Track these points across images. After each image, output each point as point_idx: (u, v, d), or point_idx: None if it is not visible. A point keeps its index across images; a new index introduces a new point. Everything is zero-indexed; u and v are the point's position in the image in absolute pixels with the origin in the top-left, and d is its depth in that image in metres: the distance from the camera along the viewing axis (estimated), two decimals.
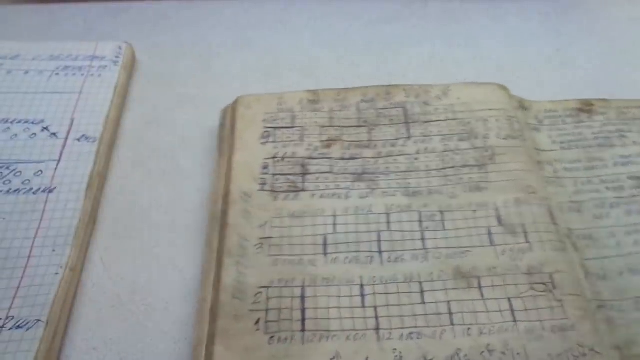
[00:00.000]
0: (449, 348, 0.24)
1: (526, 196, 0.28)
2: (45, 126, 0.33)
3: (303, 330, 0.24)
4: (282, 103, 0.33)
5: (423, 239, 0.27)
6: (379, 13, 0.43)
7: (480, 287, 0.25)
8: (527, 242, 0.27)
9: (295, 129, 0.32)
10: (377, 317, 0.24)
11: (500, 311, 0.25)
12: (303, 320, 0.24)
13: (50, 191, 0.29)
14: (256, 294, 0.25)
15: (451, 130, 0.31)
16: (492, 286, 0.25)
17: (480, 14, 0.43)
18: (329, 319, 0.24)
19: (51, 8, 0.42)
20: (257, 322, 0.24)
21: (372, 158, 0.30)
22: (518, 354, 0.23)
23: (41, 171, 0.30)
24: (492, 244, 0.27)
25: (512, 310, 0.25)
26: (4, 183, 0.30)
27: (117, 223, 0.30)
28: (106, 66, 0.36)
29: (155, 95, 0.37)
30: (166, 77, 0.38)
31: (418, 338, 0.24)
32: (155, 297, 0.27)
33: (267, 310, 0.25)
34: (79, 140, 0.32)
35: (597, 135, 0.32)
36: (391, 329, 0.24)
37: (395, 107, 0.33)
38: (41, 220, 0.28)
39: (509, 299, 0.25)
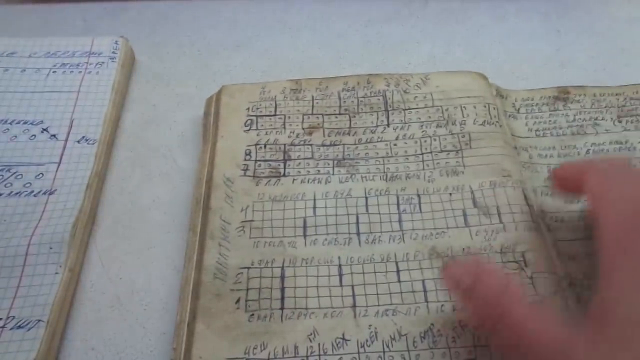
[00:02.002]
0: (423, 323, 0.25)
1: (501, 179, 0.29)
2: (44, 127, 0.33)
3: (282, 308, 0.25)
4: (265, 92, 0.34)
5: (400, 221, 0.28)
6: (378, 13, 0.43)
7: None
8: (501, 222, 0.28)
9: (277, 117, 0.33)
10: (354, 296, 0.26)
11: None
12: (282, 298, 0.25)
13: (51, 193, 0.30)
14: (237, 274, 0.26)
15: (429, 117, 0.32)
16: None
17: (480, 14, 0.43)
18: (307, 297, 0.25)
19: (50, 8, 0.42)
20: (238, 300, 0.25)
21: (352, 144, 0.31)
22: None
23: (42, 174, 0.31)
24: (466, 224, 0.28)
25: None
26: (5, 186, 0.30)
27: (116, 223, 0.30)
28: (103, 62, 0.36)
29: (155, 95, 0.37)
30: (165, 77, 0.38)
31: (393, 314, 0.25)
32: (153, 297, 0.27)
33: (247, 290, 0.26)
34: (78, 142, 0.32)
35: (572, 123, 0.33)
36: (367, 306, 0.25)
37: (376, 95, 0.33)
38: (40, 220, 0.28)
39: None
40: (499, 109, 0.33)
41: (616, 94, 0.35)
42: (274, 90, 0.34)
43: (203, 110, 0.34)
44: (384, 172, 0.30)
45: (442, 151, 0.31)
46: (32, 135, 0.32)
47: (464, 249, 0.27)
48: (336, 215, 0.28)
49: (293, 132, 0.32)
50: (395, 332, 0.24)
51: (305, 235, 0.28)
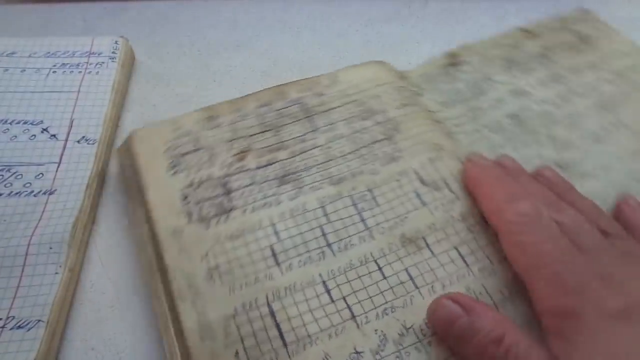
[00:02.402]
0: (422, 310, 0.25)
1: (437, 154, 0.30)
2: (44, 127, 0.33)
3: (285, 345, 0.24)
4: (178, 128, 0.32)
5: (363, 220, 0.28)
6: (378, 12, 0.43)
7: (428, 246, 0.27)
8: (452, 192, 0.29)
9: (201, 151, 0.30)
10: (349, 307, 0.25)
11: (452, 261, 0.26)
12: (281, 335, 0.24)
13: (51, 193, 0.30)
14: (225, 327, 0.24)
15: (351, 113, 0.32)
16: (438, 241, 0.27)
17: (480, 14, 0.43)
18: (305, 325, 0.24)
19: (50, 7, 0.42)
20: (237, 354, 0.23)
21: (289, 158, 0.30)
22: (480, 293, 0.25)
23: (42, 174, 0.31)
24: (423, 204, 0.28)
25: (462, 257, 0.26)
26: (5, 186, 0.30)
27: (116, 223, 0.30)
28: (103, 62, 0.36)
29: (155, 95, 0.37)
30: (165, 77, 0.38)
31: (392, 311, 0.25)
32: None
33: (242, 339, 0.24)
34: (78, 142, 0.32)
35: (469, 85, 0.35)
36: (365, 312, 0.25)
37: (293, 105, 0.33)
38: (40, 220, 0.28)
39: (455, 247, 0.27)
40: (408, 89, 0.34)
41: (499, 45, 0.37)
42: (187, 124, 0.32)
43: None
44: (329, 177, 0.29)
45: (375, 142, 0.31)
46: (32, 135, 0.32)
47: (429, 226, 0.27)
48: (300, 233, 0.27)
49: (224, 163, 0.30)
50: (400, 327, 0.24)
51: (278, 264, 0.26)
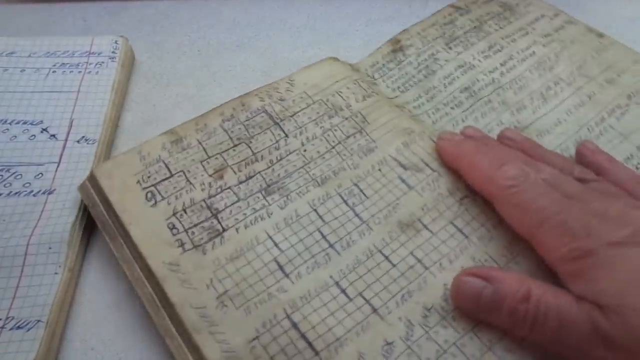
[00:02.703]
0: (438, 288, 0.25)
1: (409, 137, 0.31)
2: (44, 127, 0.33)
3: (317, 353, 0.23)
4: (145, 157, 0.29)
5: (357, 215, 0.28)
6: (378, 12, 0.43)
7: (425, 227, 0.28)
8: (434, 171, 0.30)
9: (176, 176, 0.29)
10: (368, 301, 0.25)
11: (452, 235, 0.27)
12: (310, 344, 0.24)
13: (50, 193, 0.30)
14: (251, 350, 0.23)
15: (317, 113, 0.32)
16: (433, 220, 0.28)
17: None
18: (330, 329, 0.24)
19: (50, 7, 0.42)
20: None
21: (267, 168, 0.30)
22: (485, 260, 0.26)
23: (41, 174, 0.30)
24: (410, 187, 0.29)
25: (459, 230, 0.27)
26: (4, 186, 0.30)
27: None
28: (103, 62, 0.36)
29: (154, 95, 0.37)
30: (165, 77, 0.38)
31: (410, 296, 0.25)
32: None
33: (271, 358, 0.23)
34: (78, 142, 0.32)
35: (418, 67, 0.36)
36: (385, 303, 0.25)
37: (258, 114, 0.32)
38: (39, 220, 0.28)
39: (450, 222, 0.28)
40: (364, 81, 0.34)
41: (435, 24, 0.39)
42: (154, 151, 0.30)
43: (202, 110, 0.34)
44: (313, 179, 0.29)
45: (348, 137, 0.31)
46: (31, 135, 0.32)
47: (422, 208, 0.28)
48: (300, 240, 0.27)
49: (203, 184, 0.29)
50: (422, 310, 0.25)
51: (287, 275, 0.26)
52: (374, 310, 0.25)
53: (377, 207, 0.28)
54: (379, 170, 0.30)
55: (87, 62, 0.36)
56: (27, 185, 0.30)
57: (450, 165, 0.29)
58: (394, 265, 0.26)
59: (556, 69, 0.36)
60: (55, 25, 0.41)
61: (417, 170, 0.30)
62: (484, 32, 0.38)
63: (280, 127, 0.31)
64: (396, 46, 0.37)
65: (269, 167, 0.30)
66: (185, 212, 0.28)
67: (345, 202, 0.28)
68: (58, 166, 0.31)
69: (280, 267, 0.26)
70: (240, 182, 0.29)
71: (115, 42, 0.37)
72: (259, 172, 0.29)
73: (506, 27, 0.39)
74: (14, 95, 0.34)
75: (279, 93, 0.33)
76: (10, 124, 0.33)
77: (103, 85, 0.35)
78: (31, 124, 0.33)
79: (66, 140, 0.32)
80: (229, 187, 0.29)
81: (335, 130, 0.31)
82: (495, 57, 0.37)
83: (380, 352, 0.24)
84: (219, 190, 0.29)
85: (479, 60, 0.37)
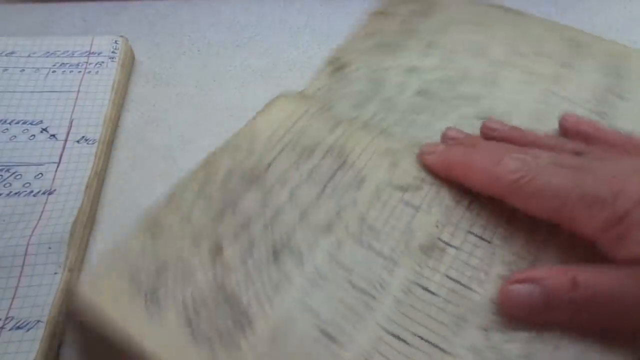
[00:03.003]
0: (486, 304, 0.25)
1: (393, 157, 0.30)
2: (44, 127, 0.33)
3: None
4: (128, 258, 0.25)
5: (377, 252, 0.26)
6: None
7: (447, 244, 0.27)
8: (432, 184, 0.29)
9: (170, 267, 0.25)
10: (426, 340, 0.24)
11: (475, 245, 0.26)
12: None
13: (50, 193, 0.30)
14: None
15: (292, 157, 0.29)
16: (452, 235, 0.27)
17: None
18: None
19: (50, 7, 0.42)
20: None
21: (265, 230, 0.27)
22: (515, 260, 0.26)
23: (41, 174, 0.30)
24: (416, 208, 0.28)
25: (480, 237, 0.27)
26: (4, 186, 0.30)
27: (115, 223, 0.30)
28: (103, 62, 0.36)
29: (155, 95, 0.37)
30: (165, 77, 0.38)
31: (464, 321, 0.24)
32: None
33: None
34: (78, 142, 0.32)
35: (366, 81, 0.35)
36: (443, 336, 0.24)
37: (231, 175, 0.29)
38: (39, 220, 0.28)
39: (469, 231, 0.27)
40: (323, 110, 0.32)
41: (367, 35, 0.37)
42: (134, 249, 0.25)
43: (202, 110, 0.33)
44: (316, 228, 0.27)
45: (334, 174, 0.29)
46: (31, 135, 0.32)
47: (436, 225, 0.27)
48: (333, 297, 0.25)
49: (204, 266, 0.25)
50: (481, 332, 0.24)
51: (336, 341, 0.23)
52: (436, 346, 0.24)
53: (393, 238, 0.27)
54: (378, 199, 0.28)
55: (87, 62, 0.36)
56: (27, 185, 0.30)
57: (445, 176, 0.28)
58: (434, 294, 0.25)
59: (492, 53, 0.37)
60: (55, 25, 0.41)
61: (416, 189, 0.28)
62: (415, 32, 0.38)
63: (260, 182, 0.28)
64: (337, 65, 0.35)
65: (267, 229, 0.27)
66: (198, 306, 0.24)
67: (359, 242, 0.27)
68: (58, 166, 0.31)
69: (327, 335, 0.24)
70: (243, 253, 0.26)
71: (115, 42, 0.37)
72: (259, 238, 0.26)
73: (432, 23, 0.39)
74: (13, 95, 0.34)
75: (244, 147, 0.30)
76: (10, 124, 0.33)
77: (103, 85, 0.35)
78: (31, 123, 0.33)
79: (66, 140, 0.32)
80: (233, 263, 0.25)
81: (318, 170, 0.29)
82: (435, 54, 0.36)
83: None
84: (223, 269, 0.25)
85: (422, 61, 0.36)
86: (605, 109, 0.34)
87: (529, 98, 0.34)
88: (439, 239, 0.27)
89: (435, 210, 0.28)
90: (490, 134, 0.30)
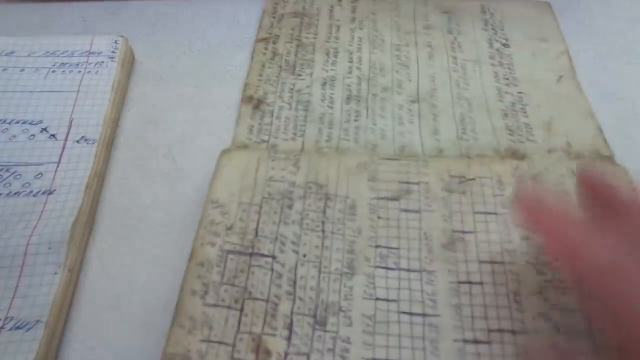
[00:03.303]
0: (530, 273, 0.26)
1: (368, 171, 0.30)
2: (44, 127, 0.33)
3: None
4: None
5: (409, 270, 0.26)
6: None
7: (462, 232, 0.27)
8: (418, 183, 0.29)
9: None
10: (502, 330, 0.24)
11: (486, 222, 0.27)
12: None
13: (50, 193, 0.30)
14: None
15: (274, 212, 0.28)
16: (462, 222, 0.28)
17: None
18: None
19: (49, 7, 0.42)
20: None
21: (294, 303, 0.25)
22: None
23: (41, 174, 0.30)
24: (417, 211, 0.28)
25: (487, 212, 0.28)
26: (4, 186, 0.30)
27: (115, 223, 0.30)
28: (103, 62, 0.36)
29: (154, 95, 0.37)
30: (165, 77, 0.38)
31: (519, 296, 0.25)
32: (153, 298, 0.27)
33: None
34: (78, 142, 0.32)
35: (292, 107, 0.35)
36: (511, 317, 0.25)
37: (225, 260, 0.27)
38: (39, 220, 0.28)
39: (474, 212, 0.28)
40: (270, 150, 0.32)
41: (263, 65, 0.37)
42: None
43: (202, 109, 0.33)
44: (341, 273, 0.26)
45: (324, 212, 0.28)
46: (31, 135, 0.32)
47: (444, 220, 0.28)
48: (399, 336, 0.24)
49: None
50: (541, 299, 0.25)
51: (430, 352, 0.24)
52: (511, 332, 0.24)
53: (414, 249, 0.27)
54: (379, 218, 0.28)
55: (86, 62, 0.36)
56: (27, 185, 0.30)
57: (526, 217, 0.25)
58: (480, 283, 0.25)
59: (387, 40, 0.39)
60: (55, 24, 0.41)
61: (407, 194, 0.29)
62: (308, 45, 0.38)
63: (258, 254, 0.27)
64: (253, 102, 0.35)
65: (294, 300, 0.25)
66: None
67: (386, 268, 0.26)
68: (58, 166, 0.31)
69: None
70: (289, 339, 0.24)
71: (115, 41, 0.37)
72: (293, 313, 0.25)
73: (319, 31, 0.39)
74: (13, 95, 0.34)
75: (218, 224, 0.28)
76: (9, 123, 0.33)
77: (103, 85, 0.35)
78: (31, 123, 0.33)
79: (66, 140, 0.32)
80: (286, 354, 0.24)
81: (307, 214, 0.28)
82: (339, 59, 0.37)
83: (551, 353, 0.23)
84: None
85: (332, 69, 0.37)
86: (502, 60, 0.38)
87: (441, 68, 0.37)
88: (452, 230, 0.27)
89: (435, 205, 0.28)
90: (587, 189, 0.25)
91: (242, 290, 0.26)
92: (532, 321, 0.24)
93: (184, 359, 0.23)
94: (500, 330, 0.24)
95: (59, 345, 0.26)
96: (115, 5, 0.43)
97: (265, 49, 0.38)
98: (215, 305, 0.25)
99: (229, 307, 0.25)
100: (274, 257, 0.27)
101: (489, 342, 0.24)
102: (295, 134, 0.33)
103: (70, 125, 0.33)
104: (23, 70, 0.36)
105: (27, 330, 0.25)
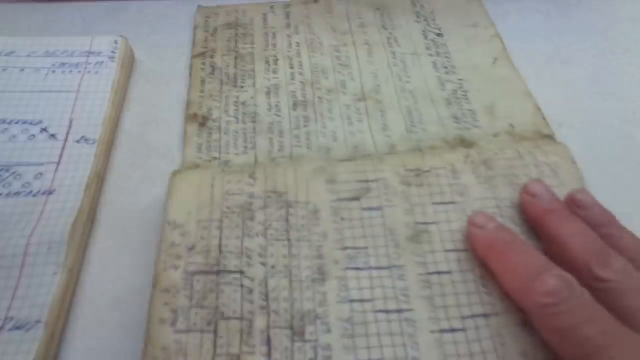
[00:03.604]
0: None
1: (326, 174, 0.29)
2: (43, 127, 0.33)
3: None
4: None
5: (378, 268, 0.26)
6: None
7: (426, 223, 0.28)
8: (376, 180, 0.29)
9: None
10: (475, 316, 0.25)
11: (446, 211, 0.28)
12: None
13: (50, 193, 0.30)
14: None
15: (236, 226, 0.28)
16: (423, 213, 0.28)
17: None
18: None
19: (49, 7, 0.42)
20: None
21: (268, 316, 0.25)
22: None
23: (41, 174, 0.30)
24: (379, 208, 0.28)
25: (446, 202, 0.28)
26: (3, 186, 0.30)
27: (115, 223, 0.30)
28: (102, 62, 0.36)
29: (155, 95, 0.37)
30: (165, 77, 0.38)
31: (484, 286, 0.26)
32: None
33: None
34: (78, 142, 0.32)
35: (239, 120, 0.34)
36: (479, 298, 0.25)
37: (191, 281, 0.26)
38: (39, 220, 0.28)
39: (432, 202, 0.28)
40: (224, 165, 0.32)
41: (203, 81, 0.36)
42: None
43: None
44: (313, 280, 0.26)
45: (286, 220, 0.28)
46: (31, 135, 0.32)
47: (407, 213, 0.28)
48: (370, 320, 0.25)
49: None
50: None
51: (408, 344, 0.24)
52: (483, 316, 0.25)
53: (382, 246, 0.27)
54: (342, 219, 0.28)
55: (86, 62, 0.36)
56: (27, 185, 0.30)
57: (479, 257, 0.26)
58: (448, 272, 0.26)
59: (325, 42, 0.39)
60: (54, 24, 0.41)
61: (366, 192, 0.29)
62: (246, 55, 0.38)
63: (224, 272, 0.26)
64: (198, 119, 0.34)
65: (268, 314, 0.25)
66: None
67: (357, 269, 0.26)
68: (58, 166, 0.31)
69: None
70: (269, 355, 0.24)
71: (115, 41, 0.37)
72: (269, 328, 0.25)
73: (255, 40, 0.39)
74: (13, 95, 0.34)
75: (179, 245, 0.27)
76: (9, 123, 0.33)
77: (103, 85, 0.35)
78: (30, 123, 0.33)
79: (66, 140, 0.32)
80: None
81: (270, 224, 0.28)
82: (280, 66, 0.37)
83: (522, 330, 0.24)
84: None
85: (274, 77, 0.37)
86: (439, 49, 0.38)
87: (382, 64, 0.38)
88: (415, 222, 0.28)
89: (396, 201, 0.28)
90: (576, 212, 0.26)
91: (214, 311, 0.25)
92: (501, 302, 0.25)
93: None
94: (473, 316, 0.25)
95: (58, 346, 0.25)
96: (115, 5, 0.43)
97: (203, 64, 0.37)
98: (187, 331, 0.24)
99: (201, 331, 0.24)
100: (241, 272, 0.26)
101: (464, 329, 0.24)
102: (246, 147, 0.33)
103: (70, 125, 0.33)
104: (23, 70, 0.36)
105: (27, 330, 0.25)
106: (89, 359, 0.25)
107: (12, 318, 0.25)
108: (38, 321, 0.25)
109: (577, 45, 0.40)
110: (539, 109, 0.34)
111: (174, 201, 0.28)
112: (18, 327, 0.25)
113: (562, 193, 0.28)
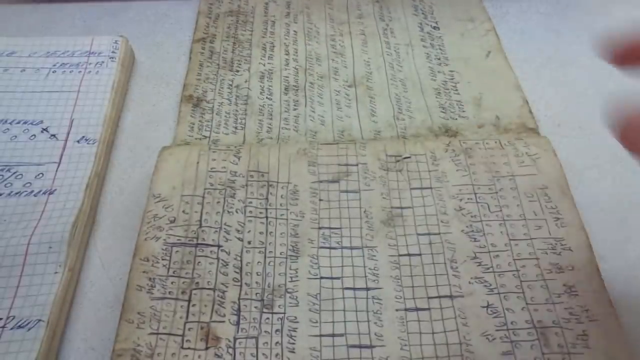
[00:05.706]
0: (462, 238, 0.28)
1: (308, 156, 0.30)
2: (44, 127, 0.33)
3: None
4: None
5: (351, 248, 0.27)
6: None
7: (401, 207, 0.28)
8: (355, 165, 0.30)
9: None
10: (448, 297, 0.26)
11: (423, 197, 0.29)
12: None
13: (51, 193, 0.30)
14: None
15: (217, 202, 0.29)
16: (400, 198, 0.29)
17: None
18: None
19: (50, 7, 0.42)
20: None
21: (241, 289, 0.26)
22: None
23: (42, 174, 0.31)
24: (357, 191, 0.29)
25: (421, 188, 0.29)
26: (5, 186, 0.30)
27: (116, 223, 0.30)
28: (103, 62, 0.36)
29: (155, 95, 0.37)
30: (165, 77, 0.38)
31: (455, 262, 0.27)
32: None
33: None
34: (78, 142, 0.32)
35: (231, 102, 0.35)
36: (448, 279, 0.26)
37: (171, 252, 0.27)
38: (40, 219, 0.28)
39: (411, 188, 0.29)
40: (210, 144, 0.32)
41: (201, 65, 0.38)
42: None
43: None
44: (285, 257, 0.27)
45: (266, 199, 0.29)
46: (32, 135, 0.32)
47: (383, 197, 0.29)
48: (344, 311, 0.25)
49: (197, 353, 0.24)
50: (476, 264, 0.27)
51: (377, 324, 0.25)
52: (449, 297, 0.25)
53: (355, 228, 0.28)
54: (320, 200, 0.29)
55: (87, 62, 0.36)
56: (28, 185, 0.30)
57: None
58: (419, 254, 0.27)
59: (322, 31, 0.40)
60: (55, 25, 0.41)
61: (347, 175, 0.30)
62: (245, 41, 0.39)
63: (202, 245, 0.27)
64: (193, 101, 0.35)
65: (241, 286, 0.26)
66: None
67: (330, 248, 0.27)
68: (58, 166, 0.31)
69: (356, 347, 0.24)
70: (238, 324, 0.25)
71: (115, 42, 0.37)
72: (240, 299, 0.25)
73: (255, 27, 0.40)
74: (14, 95, 0.34)
75: (161, 218, 0.28)
76: (10, 123, 0.33)
77: (103, 85, 0.35)
78: (31, 123, 0.33)
79: (66, 140, 0.32)
80: (235, 338, 0.25)
81: (250, 202, 0.28)
82: (276, 52, 0.38)
83: (485, 312, 0.25)
84: (229, 349, 0.24)
85: (269, 63, 0.38)
86: (433, 42, 0.39)
87: (375, 53, 0.38)
88: (392, 207, 0.28)
89: (374, 184, 0.29)
90: None
91: (189, 281, 0.26)
92: (467, 285, 0.26)
93: (133, 353, 0.24)
94: (438, 297, 0.25)
95: (60, 344, 0.26)
96: (115, 6, 0.43)
97: (203, 48, 0.39)
98: (163, 298, 0.25)
99: (176, 299, 0.25)
100: (219, 246, 0.27)
101: (428, 309, 0.25)
102: (236, 127, 0.34)
103: (71, 126, 0.33)
104: (24, 70, 0.36)
105: (29, 329, 0.25)
106: (89, 357, 0.25)
107: (13, 317, 0.25)
108: (39, 320, 0.25)
109: (576, 46, 0.40)
110: (526, 102, 0.35)
111: (160, 175, 0.30)
112: (20, 326, 0.25)
113: (540, 182, 0.29)
